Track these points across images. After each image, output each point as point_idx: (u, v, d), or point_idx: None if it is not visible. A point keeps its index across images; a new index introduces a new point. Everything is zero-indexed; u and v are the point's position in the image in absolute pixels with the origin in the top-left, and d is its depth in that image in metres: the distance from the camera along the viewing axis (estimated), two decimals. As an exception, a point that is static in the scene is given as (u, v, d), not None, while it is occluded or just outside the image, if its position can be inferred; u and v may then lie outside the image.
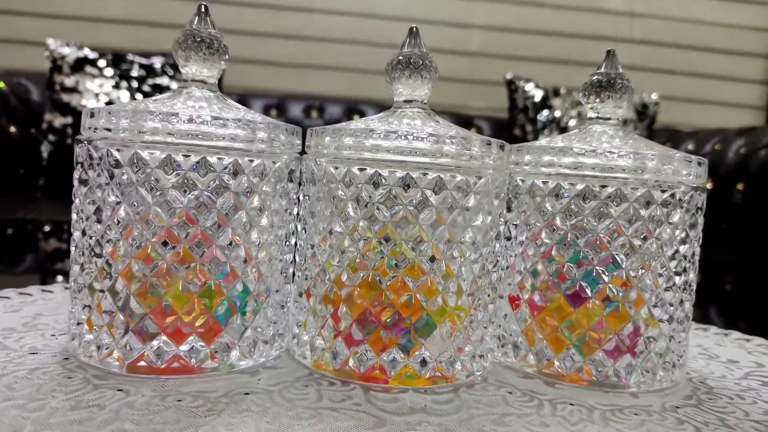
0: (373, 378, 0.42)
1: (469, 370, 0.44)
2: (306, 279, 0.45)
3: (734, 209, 1.68)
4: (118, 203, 0.41)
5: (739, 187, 1.68)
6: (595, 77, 0.50)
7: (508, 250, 0.49)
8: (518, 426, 0.38)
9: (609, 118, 0.50)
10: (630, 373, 0.45)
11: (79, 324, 0.42)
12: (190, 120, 0.41)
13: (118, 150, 0.41)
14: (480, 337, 0.45)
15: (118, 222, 0.41)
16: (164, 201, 0.40)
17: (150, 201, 0.40)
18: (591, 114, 0.51)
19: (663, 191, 0.45)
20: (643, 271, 0.45)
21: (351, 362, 0.43)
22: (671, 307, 0.46)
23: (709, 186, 1.79)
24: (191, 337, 0.41)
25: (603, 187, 0.45)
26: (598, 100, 0.50)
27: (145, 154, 0.40)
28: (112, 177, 0.41)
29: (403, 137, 0.42)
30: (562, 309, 0.46)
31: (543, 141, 0.50)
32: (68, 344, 0.44)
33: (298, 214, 0.47)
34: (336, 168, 0.44)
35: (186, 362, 0.41)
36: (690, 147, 1.80)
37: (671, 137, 1.87)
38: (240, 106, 0.46)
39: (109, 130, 0.42)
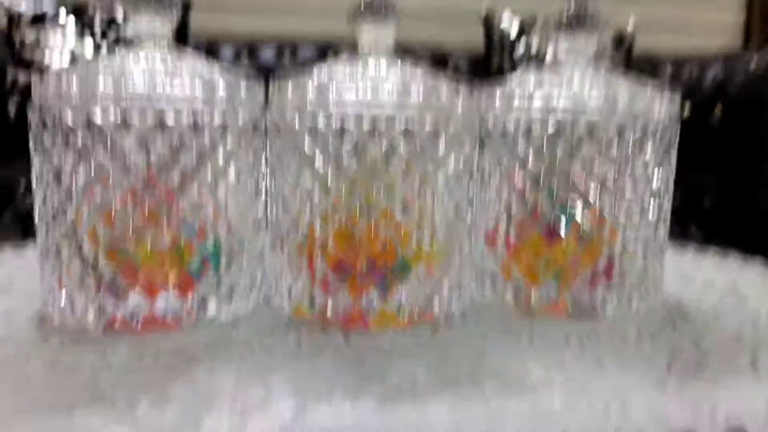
0: (353, 322, 0.42)
1: (447, 309, 0.45)
2: (279, 230, 0.45)
3: (712, 133, 1.68)
4: (77, 168, 0.40)
5: (717, 111, 1.68)
6: (566, 15, 0.49)
7: (482, 191, 0.49)
8: (496, 361, 0.38)
9: (581, 55, 0.49)
10: (606, 302, 0.45)
11: (51, 287, 0.42)
12: (145, 81, 0.40)
13: (72, 115, 0.39)
14: (457, 275, 0.45)
15: (79, 187, 0.40)
16: (123, 164, 0.39)
17: (108, 164, 0.39)
18: (563, 51, 0.50)
19: (635, 127, 0.45)
20: (617, 205, 0.45)
21: (329, 308, 0.43)
22: (645, 238, 0.46)
23: (687, 110, 1.79)
24: (165, 293, 0.41)
25: (575, 126, 0.44)
26: (569, 37, 0.49)
27: (99, 117, 0.39)
28: (68, 143, 0.40)
29: (368, 87, 0.41)
30: (537, 246, 0.46)
31: (515, 80, 0.49)
32: (43, 307, 0.44)
33: (266, 162, 0.46)
34: (301, 121, 0.42)
35: (162, 318, 0.41)
36: (668, 73, 1.78)
37: (649, 65, 1.85)
38: (199, 60, 0.45)
39: (61, 95, 0.40)
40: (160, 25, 0.44)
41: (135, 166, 0.39)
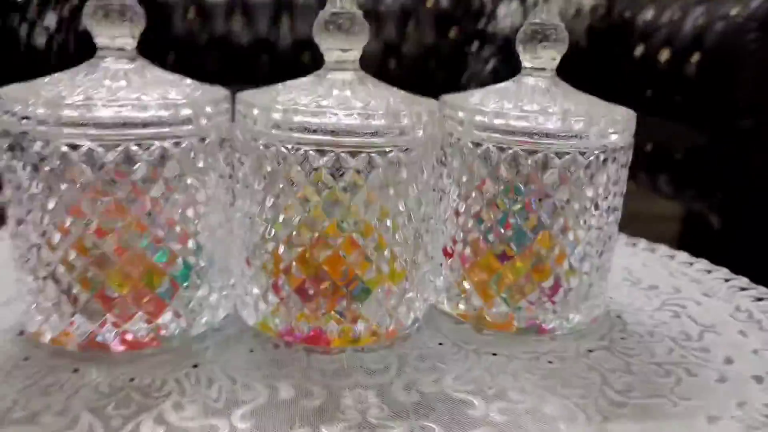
0: (314, 340, 0.46)
1: (404, 325, 0.48)
2: (246, 248, 0.47)
3: (688, 82, 1.69)
4: (47, 196, 0.41)
5: (695, 59, 1.67)
6: (531, 28, 0.49)
7: (442, 203, 0.51)
8: (445, 388, 0.42)
9: (544, 69, 0.50)
10: (550, 319, 0.49)
11: (27, 307, 0.44)
12: (110, 105, 0.40)
13: (37, 143, 0.40)
14: (415, 292, 0.48)
15: (49, 215, 0.41)
16: (93, 195, 0.41)
17: (78, 195, 0.40)
18: (526, 64, 0.51)
19: (589, 153, 0.46)
20: (566, 229, 0.47)
21: (293, 327, 0.46)
22: (593, 257, 0.49)
23: (665, 56, 1.78)
24: (138, 314, 0.43)
25: (532, 153, 0.46)
26: (533, 51, 0.50)
27: (65, 147, 0.40)
28: (36, 169, 0.41)
29: (332, 114, 0.42)
30: (490, 265, 0.49)
31: (477, 95, 0.50)
32: (21, 317, 0.46)
33: (232, 176, 0.48)
34: (266, 146, 0.44)
35: (136, 338, 0.43)
36: (649, 16, 1.76)
37: (631, 5, 1.83)
38: (164, 75, 0.45)
39: (26, 118, 0.40)
40: (123, 39, 0.44)
41: (105, 197, 0.41)
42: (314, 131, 0.42)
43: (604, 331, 0.50)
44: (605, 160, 0.47)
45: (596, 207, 0.48)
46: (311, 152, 0.42)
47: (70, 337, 0.43)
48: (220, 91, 0.46)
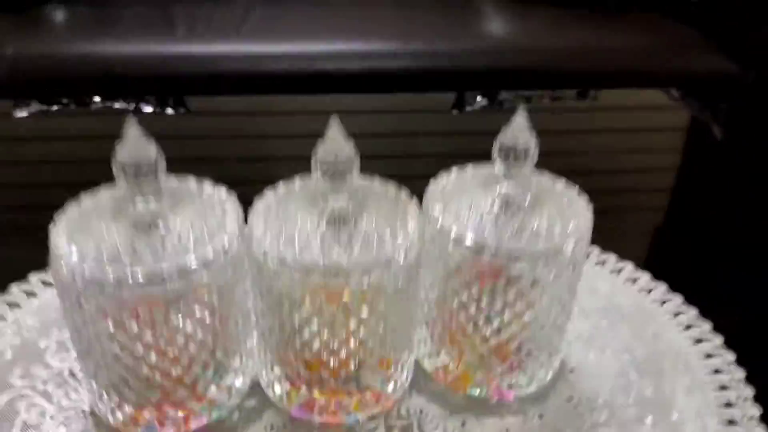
0: (321, 417, 0.58)
1: (393, 397, 0.60)
2: (264, 342, 0.57)
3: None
4: (97, 338, 0.51)
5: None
6: (505, 146, 0.55)
7: (425, 290, 0.60)
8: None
9: (513, 177, 0.56)
10: (511, 387, 0.60)
11: (93, 398, 0.56)
12: (145, 263, 0.48)
13: (86, 296, 0.49)
14: (401, 370, 0.59)
15: (105, 347, 0.51)
16: (138, 340, 0.51)
17: (127, 339, 0.51)
18: (498, 171, 0.57)
19: (550, 268, 0.54)
20: (525, 327, 0.57)
21: (303, 407, 0.58)
22: (548, 338, 0.59)
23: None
24: (181, 410, 0.55)
25: (496, 270, 0.54)
26: (506, 164, 0.56)
27: (110, 305, 0.49)
28: (90, 316, 0.50)
29: (329, 253, 0.50)
30: (461, 347, 0.59)
31: (453, 199, 0.57)
32: (90, 399, 0.58)
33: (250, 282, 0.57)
34: (274, 275, 0.52)
35: (179, 427, 0.56)
36: None
37: None
38: (186, 207, 0.53)
39: (74, 275, 0.49)
40: (147, 186, 0.51)
41: (146, 342, 0.51)
42: (315, 269, 0.51)
43: (557, 391, 0.62)
44: (559, 271, 0.55)
45: (553, 306, 0.57)
46: (313, 283, 0.51)
47: (130, 427, 0.56)
48: (233, 212, 0.54)
